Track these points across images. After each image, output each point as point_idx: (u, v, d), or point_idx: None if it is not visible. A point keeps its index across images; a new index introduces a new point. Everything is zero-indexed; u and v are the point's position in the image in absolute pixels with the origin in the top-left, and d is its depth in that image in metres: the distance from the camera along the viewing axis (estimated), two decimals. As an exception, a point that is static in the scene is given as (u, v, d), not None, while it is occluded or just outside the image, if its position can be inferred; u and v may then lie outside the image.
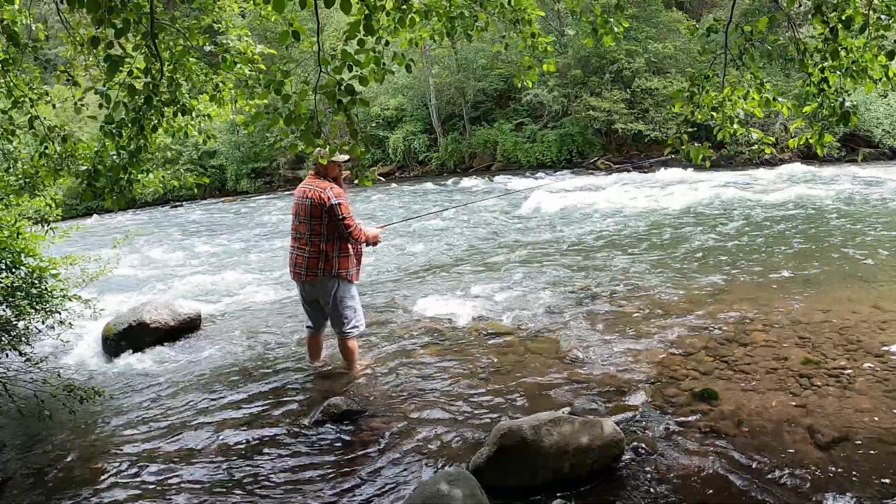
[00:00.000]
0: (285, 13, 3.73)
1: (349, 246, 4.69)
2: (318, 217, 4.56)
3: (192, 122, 4.85)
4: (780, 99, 4.05)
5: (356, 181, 3.43)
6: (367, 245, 4.83)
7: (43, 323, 4.73)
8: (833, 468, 3.16)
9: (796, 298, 5.80)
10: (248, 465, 3.66)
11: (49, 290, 4.68)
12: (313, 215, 4.56)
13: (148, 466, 3.74)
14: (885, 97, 17.56)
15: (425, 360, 4.98)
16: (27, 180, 4.81)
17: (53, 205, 5.53)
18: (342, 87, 2.99)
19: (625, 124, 21.57)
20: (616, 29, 4.50)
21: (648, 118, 21.67)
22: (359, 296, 4.87)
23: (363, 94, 3.10)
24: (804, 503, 2.94)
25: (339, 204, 4.52)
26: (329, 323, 4.87)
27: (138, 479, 3.61)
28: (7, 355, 4.55)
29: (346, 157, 4.35)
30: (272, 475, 3.53)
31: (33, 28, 4.75)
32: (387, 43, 4.43)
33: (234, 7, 4.90)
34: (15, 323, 4.51)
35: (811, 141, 3.95)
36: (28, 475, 3.78)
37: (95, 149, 4.13)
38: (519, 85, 5.32)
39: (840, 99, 3.87)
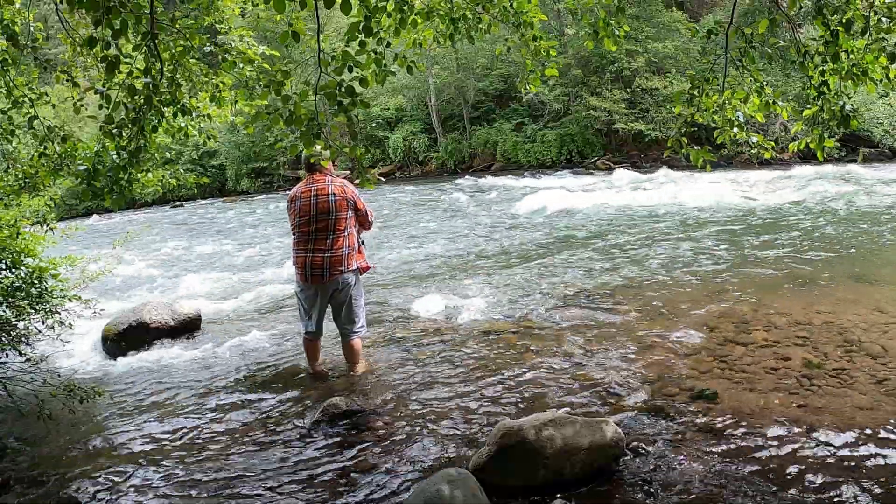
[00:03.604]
0: (286, 13, 3.72)
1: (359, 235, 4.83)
2: (344, 210, 4.60)
3: (193, 123, 4.85)
4: (780, 103, 4.04)
5: (357, 182, 3.42)
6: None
7: (43, 323, 4.73)
8: (833, 469, 3.16)
9: (797, 299, 5.80)
10: (248, 465, 3.65)
11: (49, 290, 4.69)
12: (339, 209, 4.58)
13: (148, 466, 3.74)
14: (886, 96, 17.58)
15: (425, 360, 4.98)
16: (27, 180, 4.81)
17: (52, 204, 5.53)
18: (343, 89, 2.99)
19: (625, 124, 21.58)
20: (617, 32, 4.47)
21: (649, 118, 21.69)
22: None
23: (364, 95, 3.10)
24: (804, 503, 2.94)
25: (360, 197, 4.74)
26: (335, 324, 4.86)
27: (138, 478, 3.61)
28: (7, 355, 4.55)
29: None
30: (272, 475, 3.53)
31: (32, 28, 4.75)
32: (388, 44, 4.42)
33: (235, 10, 4.89)
34: (15, 323, 4.51)
35: (812, 146, 3.95)
36: (28, 475, 3.77)
37: (95, 149, 4.13)
38: (523, 91, 5.33)
39: (840, 102, 3.87)
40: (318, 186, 4.60)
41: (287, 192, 5.06)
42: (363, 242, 4.89)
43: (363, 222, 4.81)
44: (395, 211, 15.62)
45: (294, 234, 4.71)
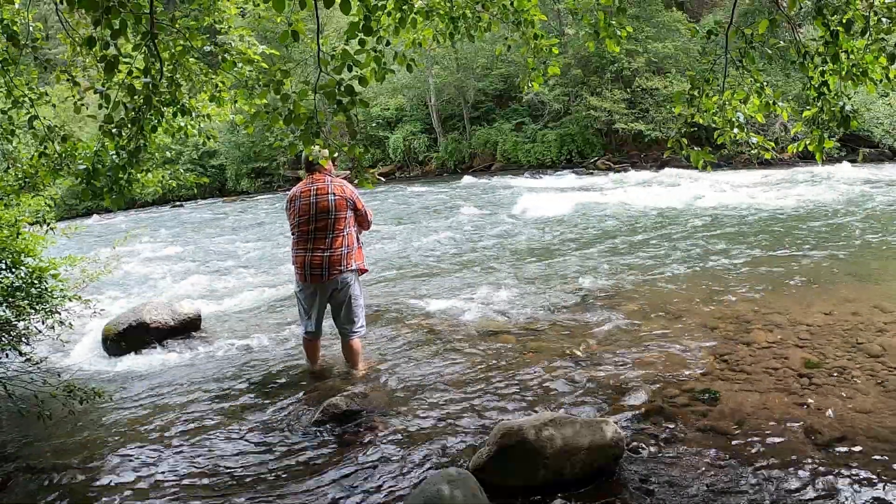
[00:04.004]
0: (285, 13, 3.72)
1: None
2: (344, 210, 4.62)
3: (192, 122, 4.85)
4: (780, 103, 4.04)
5: (356, 182, 3.42)
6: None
7: (43, 323, 4.73)
8: (833, 469, 3.16)
9: (797, 299, 5.80)
10: (248, 466, 3.65)
11: (49, 290, 4.69)
12: (338, 208, 4.60)
13: (147, 466, 3.74)
14: (886, 96, 17.60)
15: (425, 360, 4.98)
16: (27, 180, 4.82)
17: (52, 204, 5.53)
18: (342, 88, 2.98)
19: (625, 124, 21.59)
20: (619, 33, 4.46)
21: (649, 118, 21.71)
22: None
23: (363, 94, 3.09)
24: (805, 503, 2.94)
25: (359, 197, 4.76)
26: (335, 323, 4.86)
27: (138, 479, 3.61)
28: (7, 355, 4.55)
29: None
30: (272, 475, 3.53)
31: (32, 28, 4.75)
32: (388, 43, 4.42)
33: (232, 9, 4.89)
34: (15, 323, 4.51)
35: (811, 148, 3.95)
36: (28, 475, 3.77)
37: (95, 149, 4.13)
38: (525, 89, 5.32)
39: (840, 103, 3.87)
40: (318, 186, 4.61)
41: (287, 192, 5.04)
42: (361, 243, 4.90)
43: (362, 222, 4.83)
44: (395, 211, 15.62)
45: (293, 233, 4.72)
